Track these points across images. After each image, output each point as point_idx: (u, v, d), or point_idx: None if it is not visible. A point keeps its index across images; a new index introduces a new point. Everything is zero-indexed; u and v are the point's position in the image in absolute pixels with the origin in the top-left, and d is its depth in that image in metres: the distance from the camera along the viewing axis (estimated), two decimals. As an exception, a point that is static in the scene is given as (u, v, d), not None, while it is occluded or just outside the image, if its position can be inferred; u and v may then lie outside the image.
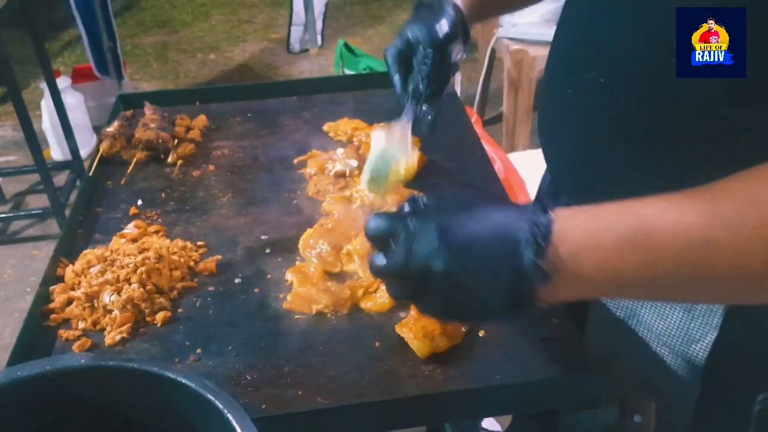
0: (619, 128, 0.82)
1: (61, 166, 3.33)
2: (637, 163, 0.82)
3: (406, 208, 0.65)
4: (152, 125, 1.37)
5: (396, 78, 1.04)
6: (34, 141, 2.70)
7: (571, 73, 0.88)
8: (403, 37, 1.02)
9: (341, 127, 1.43)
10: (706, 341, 0.83)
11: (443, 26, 1.01)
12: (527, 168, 2.26)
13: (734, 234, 0.57)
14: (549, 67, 0.98)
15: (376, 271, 0.66)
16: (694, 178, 0.65)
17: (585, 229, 0.60)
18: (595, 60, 0.83)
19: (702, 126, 0.74)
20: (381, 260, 0.65)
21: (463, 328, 0.93)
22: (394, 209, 0.68)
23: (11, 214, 3.15)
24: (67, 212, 2.46)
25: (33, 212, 3.12)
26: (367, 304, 1.00)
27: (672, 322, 0.86)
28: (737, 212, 0.57)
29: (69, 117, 3.10)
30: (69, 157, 3.21)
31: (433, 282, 0.61)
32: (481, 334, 0.94)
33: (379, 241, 0.65)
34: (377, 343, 0.94)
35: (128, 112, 1.46)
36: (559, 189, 1.02)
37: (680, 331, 0.85)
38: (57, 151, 3.45)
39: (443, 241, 0.61)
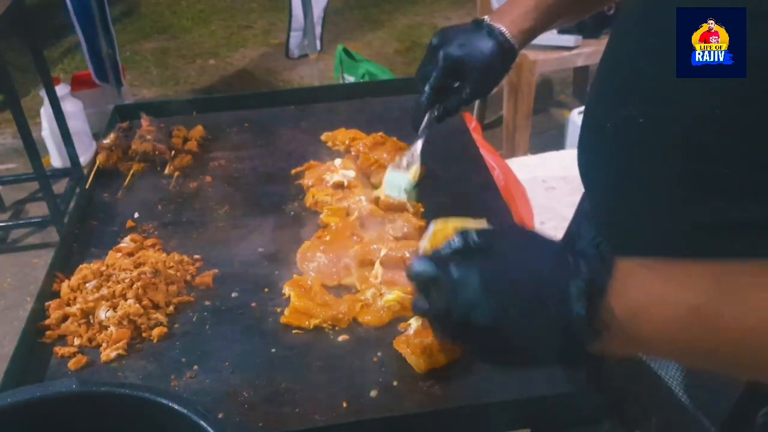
0: (654, 169, 0.79)
1: (60, 173, 3.33)
2: (670, 206, 0.78)
3: (451, 250, 0.62)
4: (149, 137, 1.36)
5: (424, 100, 1.06)
6: (33, 149, 2.70)
7: (610, 108, 0.85)
8: (446, 63, 1.03)
9: (339, 136, 1.42)
10: (729, 398, 0.79)
11: (488, 58, 1.03)
12: (527, 174, 2.25)
13: None
14: (590, 98, 0.95)
15: (419, 314, 0.67)
16: (728, 228, 0.63)
17: (648, 289, 0.57)
18: (632, 97, 0.80)
19: (739, 175, 0.71)
20: (423, 305, 0.64)
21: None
22: (441, 247, 0.65)
23: (11, 223, 3.15)
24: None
25: (33, 220, 3.11)
26: (365, 318, 0.99)
27: (696, 375, 0.83)
28: None
29: (68, 124, 3.10)
30: (68, 164, 3.20)
31: (475, 332, 0.60)
32: (480, 348, 0.93)
33: (421, 285, 0.64)
34: (375, 359, 0.93)
35: (124, 124, 1.45)
36: (596, 221, 0.99)
37: (704, 385, 0.82)
38: (56, 159, 3.44)
39: (485, 294, 0.58)
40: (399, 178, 1.17)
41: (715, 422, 0.81)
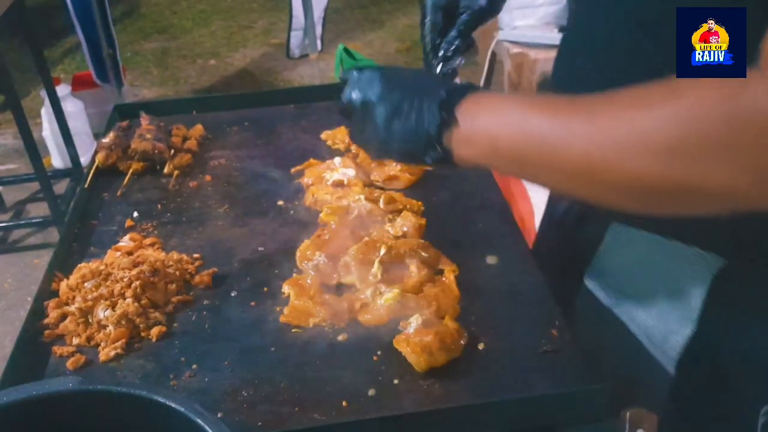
0: None
1: (61, 174, 3.33)
2: None
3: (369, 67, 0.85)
4: (148, 136, 1.36)
5: (429, 30, 1.02)
6: (34, 149, 2.70)
7: (570, 61, 0.93)
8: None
9: (339, 135, 1.41)
10: (682, 334, 0.87)
11: None
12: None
13: (583, 133, 0.67)
14: (556, 58, 1.00)
15: (339, 107, 0.87)
16: None
17: (492, 104, 0.74)
18: (586, 47, 0.88)
19: None
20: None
21: (462, 341, 0.92)
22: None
23: (12, 223, 3.15)
24: (67, 221, 2.45)
25: (33, 221, 3.12)
26: (365, 317, 0.99)
27: (652, 312, 0.91)
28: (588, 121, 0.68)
29: (69, 125, 3.11)
30: (69, 165, 3.21)
31: (370, 112, 0.80)
32: (480, 347, 0.93)
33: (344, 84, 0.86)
34: (375, 358, 0.92)
35: (124, 123, 1.45)
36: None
37: (660, 322, 0.89)
38: (57, 159, 3.45)
39: (380, 81, 0.81)
40: None
41: (669, 362, 0.90)
